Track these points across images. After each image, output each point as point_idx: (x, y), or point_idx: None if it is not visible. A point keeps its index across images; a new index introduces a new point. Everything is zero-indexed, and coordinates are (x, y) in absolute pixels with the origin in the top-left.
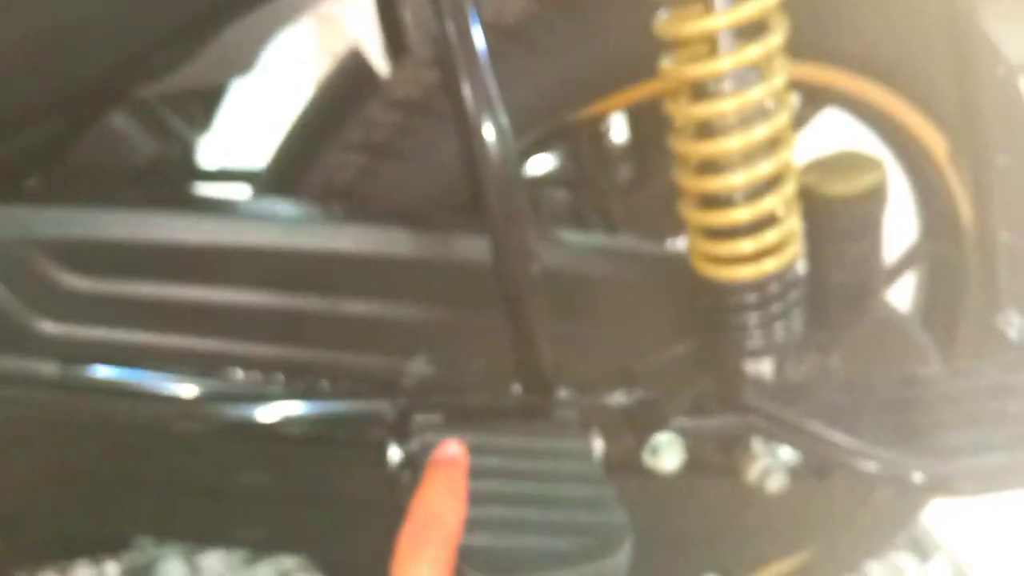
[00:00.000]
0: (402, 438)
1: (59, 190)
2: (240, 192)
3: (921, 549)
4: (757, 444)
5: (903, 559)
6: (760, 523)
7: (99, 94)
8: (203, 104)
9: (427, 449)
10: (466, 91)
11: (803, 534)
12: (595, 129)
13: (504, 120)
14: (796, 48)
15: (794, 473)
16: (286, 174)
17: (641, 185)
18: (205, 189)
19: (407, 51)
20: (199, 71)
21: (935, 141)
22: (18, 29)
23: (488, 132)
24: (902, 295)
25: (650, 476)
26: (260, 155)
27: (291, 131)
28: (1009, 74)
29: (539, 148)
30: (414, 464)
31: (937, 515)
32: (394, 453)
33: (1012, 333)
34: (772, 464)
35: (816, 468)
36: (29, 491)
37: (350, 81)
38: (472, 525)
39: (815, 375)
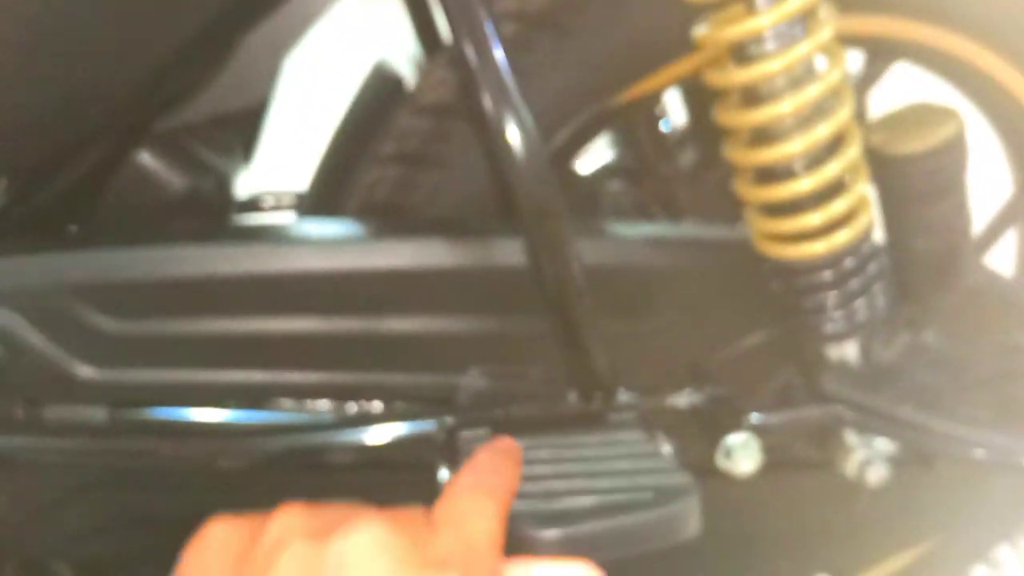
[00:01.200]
0: (451, 458)
1: (93, 235)
2: (282, 218)
3: None
4: (850, 435)
5: None
6: (872, 516)
7: (120, 130)
8: (238, 133)
9: None
10: (484, 92)
11: (921, 524)
12: (650, 114)
13: (528, 117)
14: (863, 1)
15: (896, 463)
16: (327, 195)
17: (705, 169)
18: (243, 219)
19: (442, 48)
20: (217, 98)
21: (1023, 87)
22: (33, 69)
23: (512, 131)
24: (1004, 258)
25: (728, 480)
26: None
27: (327, 151)
28: None
29: (590, 138)
30: None
31: None
32: (443, 475)
33: None
34: (870, 455)
35: (919, 456)
36: (92, 540)
37: (379, 92)
38: (524, 496)
39: (905, 355)
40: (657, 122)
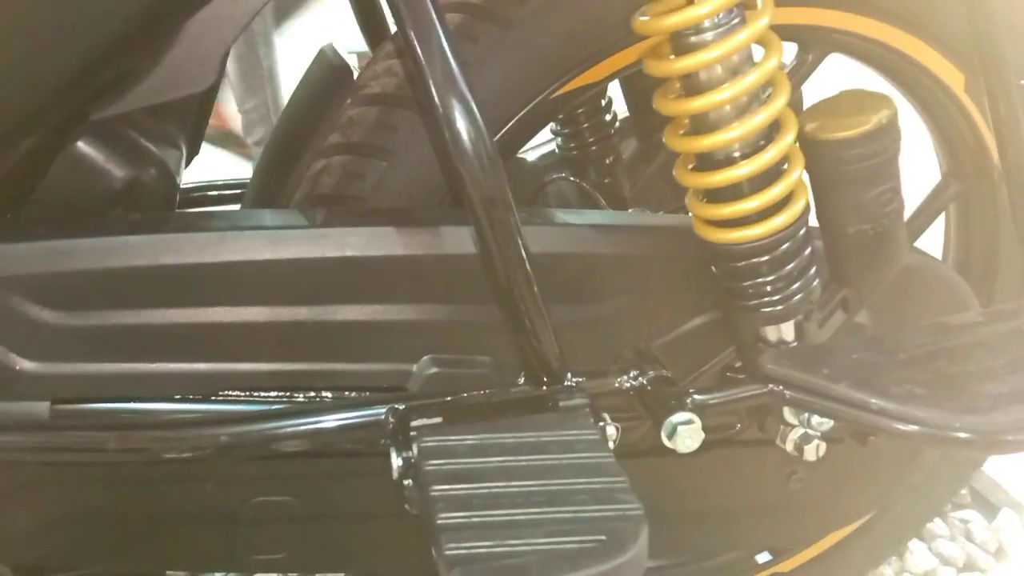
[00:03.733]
0: (401, 444)
1: (31, 225)
2: (227, 208)
3: (987, 504)
4: (788, 413)
5: (969, 515)
6: (811, 492)
7: (56, 118)
8: (181, 122)
9: (425, 454)
10: (431, 84)
11: (860, 499)
12: (594, 105)
13: (474, 108)
14: None
15: (832, 439)
16: (270, 186)
17: (647, 158)
18: (187, 209)
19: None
20: (157, 86)
21: (952, 75)
22: None
23: (459, 122)
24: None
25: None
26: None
27: (272, 140)
28: None
29: (536, 128)
30: (415, 470)
31: (1004, 467)
32: (395, 460)
33: None
34: (807, 432)
35: (855, 433)
36: (42, 538)
37: (323, 82)
38: (475, 530)
39: (840, 335)
40: (600, 113)
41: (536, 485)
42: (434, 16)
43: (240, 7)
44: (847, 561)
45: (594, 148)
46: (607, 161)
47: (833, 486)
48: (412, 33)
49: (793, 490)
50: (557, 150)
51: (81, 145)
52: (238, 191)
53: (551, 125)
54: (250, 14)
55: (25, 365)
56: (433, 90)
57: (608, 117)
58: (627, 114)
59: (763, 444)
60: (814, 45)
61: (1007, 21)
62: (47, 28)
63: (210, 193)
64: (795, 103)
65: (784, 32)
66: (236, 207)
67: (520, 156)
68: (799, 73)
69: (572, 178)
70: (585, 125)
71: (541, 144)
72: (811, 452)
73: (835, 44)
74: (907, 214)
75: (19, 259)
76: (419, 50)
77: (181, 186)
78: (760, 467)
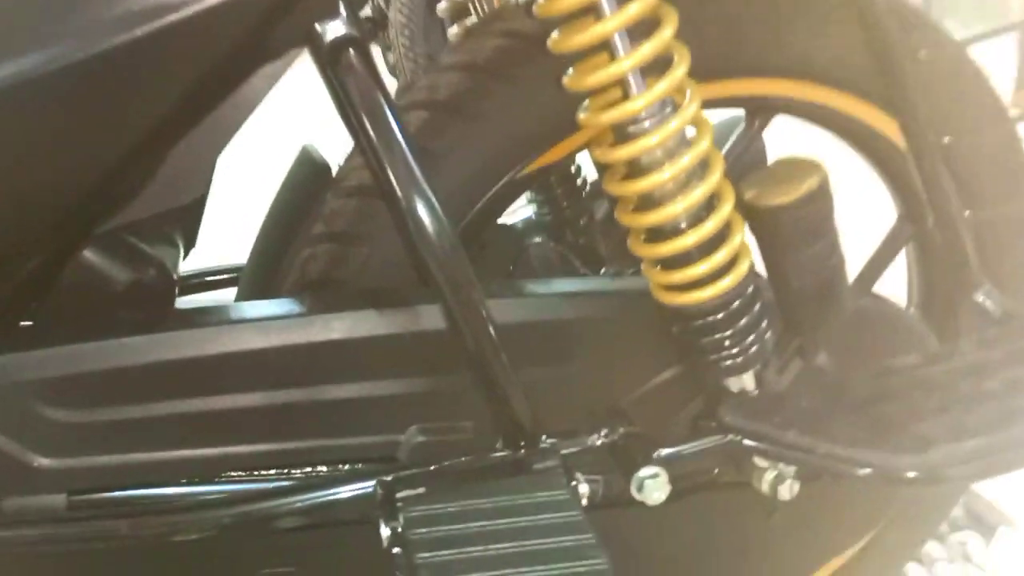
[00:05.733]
0: (389, 516)
1: (42, 333)
2: (221, 301)
3: (985, 525)
4: (759, 457)
5: (966, 536)
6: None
7: (59, 238)
8: (177, 225)
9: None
10: (394, 184)
11: (850, 529)
12: (565, 172)
13: (435, 202)
14: (731, 66)
15: (805, 477)
16: (263, 275)
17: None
18: (185, 304)
19: None
20: (154, 198)
21: (889, 126)
22: None
23: (422, 215)
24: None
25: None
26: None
27: (261, 234)
28: (941, 52)
29: (511, 200)
30: (402, 540)
31: (1001, 488)
32: (384, 531)
33: (991, 308)
34: (780, 473)
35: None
36: None
37: (305, 178)
38: (457, 561)
39: (799, 380)
40: (572, 178)
41: (512, 547)
42: (393, 122)
43: (225, 121)
44: None
45: (568, 211)
46: (581, 222)
47: (815, 520)
48: (371, 138)
49: (775, 527)
50: (534, 216)
51: (87, 255)
52: (234, 275)
53: (527, 193)
54: (236, 126)
55: (42, 461)
56: (396, 191)
57: (579, 182)
58: (596, 177)
59: (738, 487)
60: (759, 111)
61: (923, 84)
62: (57, 158)
63: (208, 279)
64: (759, 157)
65: (729, 102)
66: (232, 290)
67: (501, 223)
68: (747, 136)
69: (549, 242)
70: (558, 191)
71: (524, 206)
72: (785, 491)
73: (779, 108)
74: (867, 255)
75: (34, 365)
76: (379, 151)
77: (182, 273)
78: (741, 507)
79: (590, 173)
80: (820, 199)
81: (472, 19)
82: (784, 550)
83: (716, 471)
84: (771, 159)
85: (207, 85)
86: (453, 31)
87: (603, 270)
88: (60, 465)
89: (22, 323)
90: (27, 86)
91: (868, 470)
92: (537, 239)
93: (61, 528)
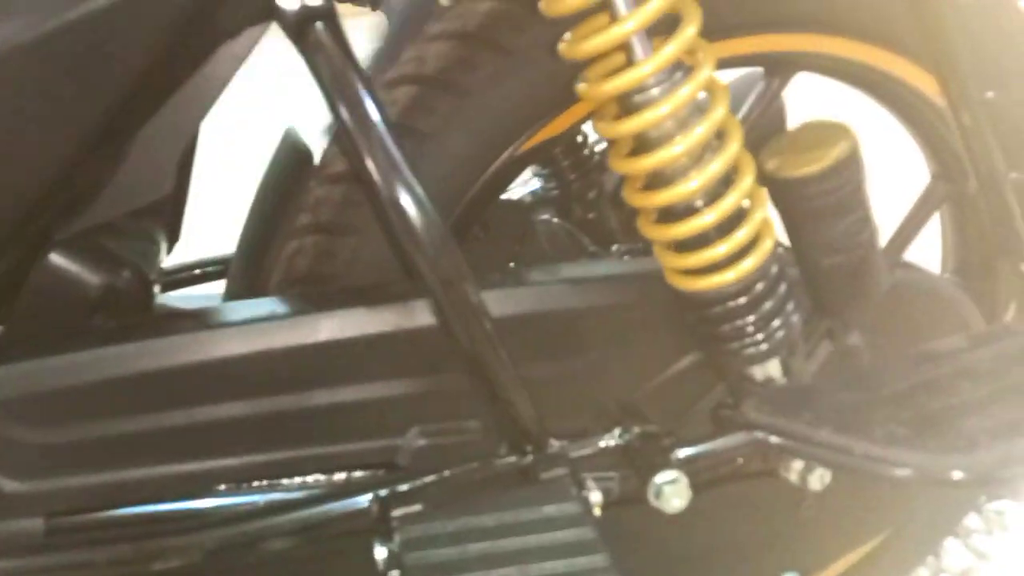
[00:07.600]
0: (384, 536)
1: (7, 348)
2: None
3: (1002, 522)
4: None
5: (1004, 506)
6: (826, 516)
7: (17, 245)
8: (155, 220)
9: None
10: (368, 165)
11: (870, 521)
12: (570, 142)
13: (415, 184)
14: (746, 20)
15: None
16: (251, 270)
17: None
18: (163, 307)
19: None
20: (111, 202)
21: (925, 81)
22: None
23: (403, 200)
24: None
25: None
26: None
27: (245, 229)
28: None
29: (514, 176)
30: (399, 563)
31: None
32: (379, 553)
33: None
34: (809, 464)
35: None
36: None
37: (288, 166)
38: None
39: (829, 366)
40: (578, 151)
41: (516, 571)
42: (373, 108)
43: (188, 110)
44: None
45: (575, 185)
46: (590, 196)
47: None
48: (347, 120)
49: (805, 515)
50: (540, 191)
51: (53, 258)
52: (221, 267)
53: (532, 167)
54: (199, 116)
55: (13, 485)
56: (378, 182)
57: (586, 152)
58: (605, 146)
59: (767, 477)
60: (778, 69)
61: (964, 33)
62: (8, 155)
63: (194, 272)
64: (779, 120)
65: (748, 60)
66: (222, 282)
67: (505, 199)
68: (766, 96)
69: (555, 219)
70: (564, 164)
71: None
72: (815, 481)
73: (801, 64)
74: (900, 218)
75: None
76: (359, 139)
77: (168, 267)
78: (771, 495)
79: (598, 142)
80: (850, 168)
81: None
82: (800, 542)
83: (740, 461)
84: (791, 122)
85: (164, 66)
86: None
87: (615, 247)
88: (33, 489)
89: None
90: None
91: (909, 472)
92: (544, 216)
93: (48, 554)
